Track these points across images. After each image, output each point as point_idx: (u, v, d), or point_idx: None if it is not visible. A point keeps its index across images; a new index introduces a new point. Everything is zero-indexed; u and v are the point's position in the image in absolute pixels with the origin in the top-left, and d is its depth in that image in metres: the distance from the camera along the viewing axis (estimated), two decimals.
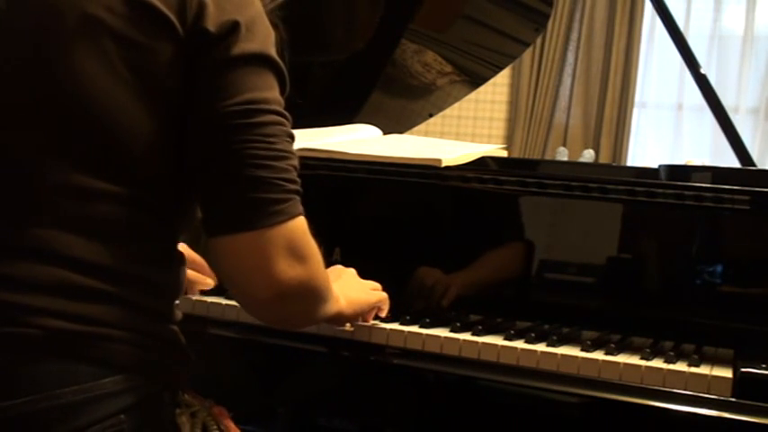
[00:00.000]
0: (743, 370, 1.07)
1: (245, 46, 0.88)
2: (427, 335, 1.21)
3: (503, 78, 4.59)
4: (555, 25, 4.53)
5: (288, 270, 0.89)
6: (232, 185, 0.87)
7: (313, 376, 1.32)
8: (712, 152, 4.29)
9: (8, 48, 0.85)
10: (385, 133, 1.67)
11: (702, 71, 1.64)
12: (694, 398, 1.07)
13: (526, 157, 4.58)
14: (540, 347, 1.17)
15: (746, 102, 4.38)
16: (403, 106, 2.15)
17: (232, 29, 0.88)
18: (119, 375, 0.83)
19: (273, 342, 1.27)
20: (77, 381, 0.80)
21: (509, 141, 4.65)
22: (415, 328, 1.24)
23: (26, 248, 0.82)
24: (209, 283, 1.32)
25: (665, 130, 4.56)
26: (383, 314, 1.26)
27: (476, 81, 2.19)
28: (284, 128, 0.90)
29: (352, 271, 1.24)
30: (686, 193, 1.25)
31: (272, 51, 0.92)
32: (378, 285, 1.26)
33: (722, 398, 1.06)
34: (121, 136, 0.85)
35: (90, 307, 0.82)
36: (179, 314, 0.94)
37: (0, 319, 0.80)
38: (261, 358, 1.33)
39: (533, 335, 1.20)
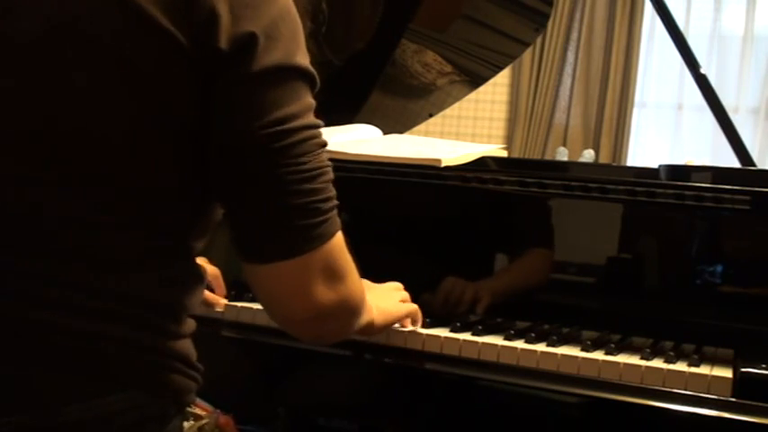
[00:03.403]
0: (743, 370, 1.07)
1: (265, 60, 0.80)
2: (427, 335, 1.21)
3: (503, 78, 4.59)
4: (555, 25, 4.52)
5: (326, 292, 0.87)
6: (267, 215, 0.83)
7: (313, 376, 1.32)
8: (712, 152, 4.29)
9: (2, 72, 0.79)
10: (385, 133, 1.67)
11: (702, 71, 1.64)
12: (694, 398, 1.07)
13: (526, 156, 4.58)
14: (540, 347, 1.17)
15: (746, 102, 4.38)
16: (403, 106, 2.15)
17: (248, 43, 0.79)
18: (124, 393, 0.81)
19: (273, 342, 1.26)
20: (82, 397, 0.78)
21: (509, 141, 4.65)
22: (414, 328, 1.23)
23: (33, 271, 0.79)
24: (221, 303, 1.32)
25: (665, 130, 4.56)
26: (418, 325, 1.24)
27: (476, 81, 2.18)
28: (315, 140, 0.85)
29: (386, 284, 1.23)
30: (686, 193, 1.25)
31: (298, 56, 0.84)
32: (407, 295, 1.24)
33: (722, 398, 1.06)
34: (125, 168, 0.80)
35: (97, 324, 0.80)
36: (192, 324, 0.90)
37: (5, 331, 0.78)
38: (261, 358, 1.33)
39: (533, 335, 1.20)
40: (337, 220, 0.87)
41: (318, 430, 1.48)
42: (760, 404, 1.04)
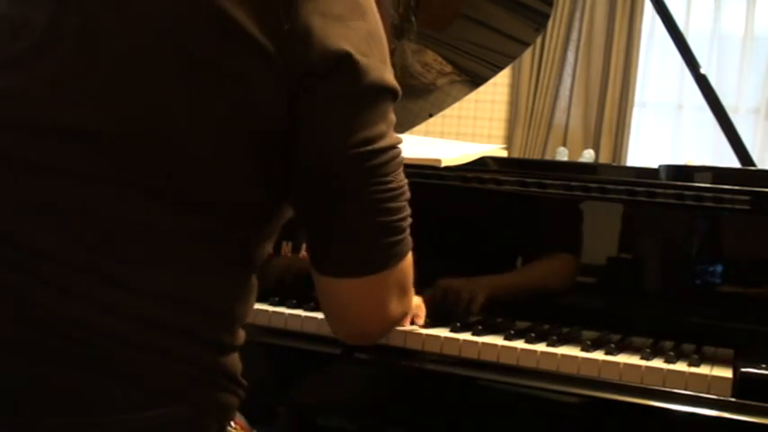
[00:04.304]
0: (743, 370, 1.07)
1: (360, 81, 0.80)
2: (427, 335, 1.21)
3: (503, 78, 4.59)
4: (555, 25, 4.53)
5: (397, 306, 0.90)
6: (351, 232, 0.84)
7: (313, 376, 1.32)
8: (712, 152, 4.29)
9: (88, 76, 0.78)
10: None
11: (702, 71, 1.64)
12: (694, 398, 1.07)
13: (526, 157, 4.58)
14: (540, 347, 1.17)
15: (746, 102, 4.38)
16: (403, 106, 2.14)
17: (342, 62, 0.78)
18: (168, 407, 0.78)
19: (273, 342, 1.26)
20: (123, 408, 0.76)
21: (509, 141, 4.65)
22: (414, 328, 1.23)
23: (92, 272, 0.76)
24: None
25: (665, 130, 4.56)
26: (420, 321, 1.24)
27: (476, 81, 2.18)
28: (399, 159, 0.86)
29: None
30: (686, 193, 1.25)
31: (386, 73, 0.84)
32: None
33: (722, 398, 1.06)
34: (206, 176, 0.79)
35: (148, 334, 0.77)
36: (243, 336, 0.88)
37: (52, 331, 0.75)
38: (260, 358, 1.33)
39: (533, 335, 1.20)
40: (410, 238, 0.88)
41: (318, 430, 1.48)
42: (760, 404, 1.04)
